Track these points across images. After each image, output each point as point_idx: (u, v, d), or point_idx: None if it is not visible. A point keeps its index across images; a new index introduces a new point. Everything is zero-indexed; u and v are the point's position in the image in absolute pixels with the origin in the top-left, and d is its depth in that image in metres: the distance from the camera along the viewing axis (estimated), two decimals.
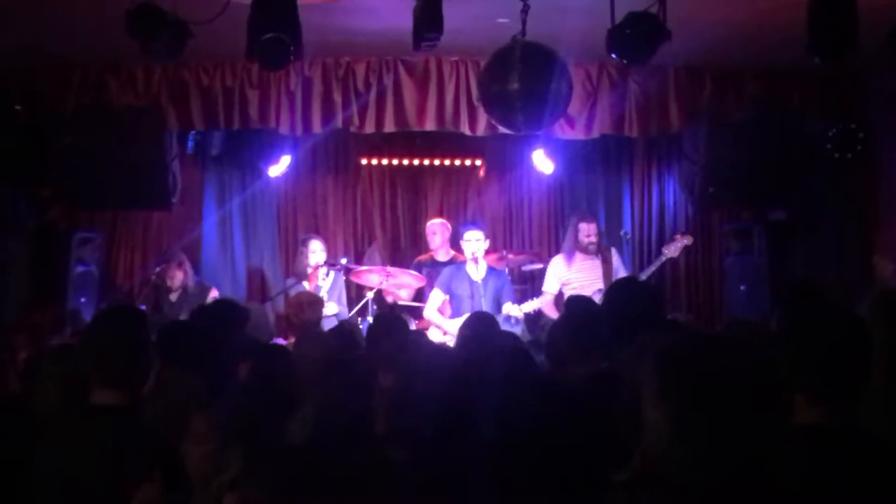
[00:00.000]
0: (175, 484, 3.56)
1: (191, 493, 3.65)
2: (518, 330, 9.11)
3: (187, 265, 10.11)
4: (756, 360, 2.23)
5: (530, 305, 9.56)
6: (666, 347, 2.38)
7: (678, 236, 10.29)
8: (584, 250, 9.93)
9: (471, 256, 9.57)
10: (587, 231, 9.91)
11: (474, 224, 10.02)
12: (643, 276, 9.89)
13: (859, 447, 2.78)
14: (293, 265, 10.84)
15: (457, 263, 10.08)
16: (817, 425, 2.83)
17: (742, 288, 10.83)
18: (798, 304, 5.37)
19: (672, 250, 10.10)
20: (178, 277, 9.90)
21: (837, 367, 2.90)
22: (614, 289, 5.91)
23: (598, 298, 9.28)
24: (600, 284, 9.60)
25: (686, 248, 10.32)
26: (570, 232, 10.12)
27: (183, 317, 9.18)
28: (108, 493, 3.57)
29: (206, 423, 3.44)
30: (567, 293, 9.58)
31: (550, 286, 10.00)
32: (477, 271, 9.54)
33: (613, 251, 10.14)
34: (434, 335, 9.30)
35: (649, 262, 10.99)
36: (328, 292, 9.98)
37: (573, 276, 9.89)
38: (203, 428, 3.45)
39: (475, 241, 9.61)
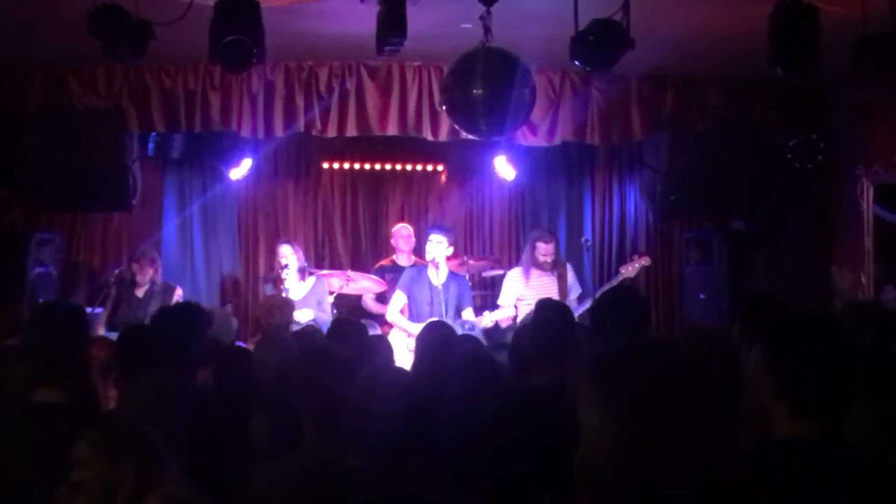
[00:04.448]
0: None
1: None
2: (475, 334, 9.06)
3: (159, 263, 10.11)
4: (700, 365, 2.19)
5: (491, 318, 9.55)
6: (602, 352, 2.35)
7: (636, 256, 10.37)
8: (540, 267, 9.95)
9: (430, 259, 9.57)
10: (545, 251, 9.92)
11: (440, 228, 9.96)
12: (598, 295, 9.87)
13: (842, 462, 2.70)
14: (266, 270, 10.88)
15: (418, 266, 10.06)
16: (799, 439, 2.76)
17: (701, 297, 10.86)
18: (761, 313, 5.37)
19: (629, 270, 10.14)
20: (148, 273, 9.83)
21: (825, 378, 2.84)
22: (605, 297, 5.89)
23: None
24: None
25: (645, 269, 10.39)
26: (528, 248, 10.14)
27: (150, 311, 9.20)
28: (44, 489, 3.53)
29: (87, 447, 3.39)
30: (521, 308, 9.65)
31: (506, 300, 9.98)
32: (437, 276, 9.54)
33: (569, 267, 10.16)
34: (397, 338, 9.27)
35: (608, 277, 11.03)
36: (305, 298, 9.81)
37: (528, 291, 9.84)
38: (84, 453, 3.39)
39: (436, 244, 9.59)
